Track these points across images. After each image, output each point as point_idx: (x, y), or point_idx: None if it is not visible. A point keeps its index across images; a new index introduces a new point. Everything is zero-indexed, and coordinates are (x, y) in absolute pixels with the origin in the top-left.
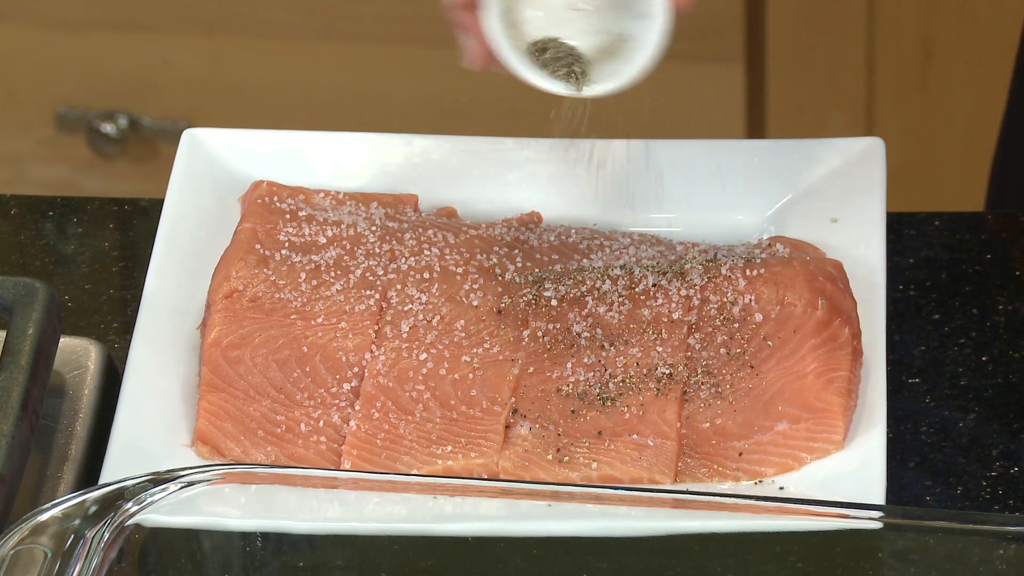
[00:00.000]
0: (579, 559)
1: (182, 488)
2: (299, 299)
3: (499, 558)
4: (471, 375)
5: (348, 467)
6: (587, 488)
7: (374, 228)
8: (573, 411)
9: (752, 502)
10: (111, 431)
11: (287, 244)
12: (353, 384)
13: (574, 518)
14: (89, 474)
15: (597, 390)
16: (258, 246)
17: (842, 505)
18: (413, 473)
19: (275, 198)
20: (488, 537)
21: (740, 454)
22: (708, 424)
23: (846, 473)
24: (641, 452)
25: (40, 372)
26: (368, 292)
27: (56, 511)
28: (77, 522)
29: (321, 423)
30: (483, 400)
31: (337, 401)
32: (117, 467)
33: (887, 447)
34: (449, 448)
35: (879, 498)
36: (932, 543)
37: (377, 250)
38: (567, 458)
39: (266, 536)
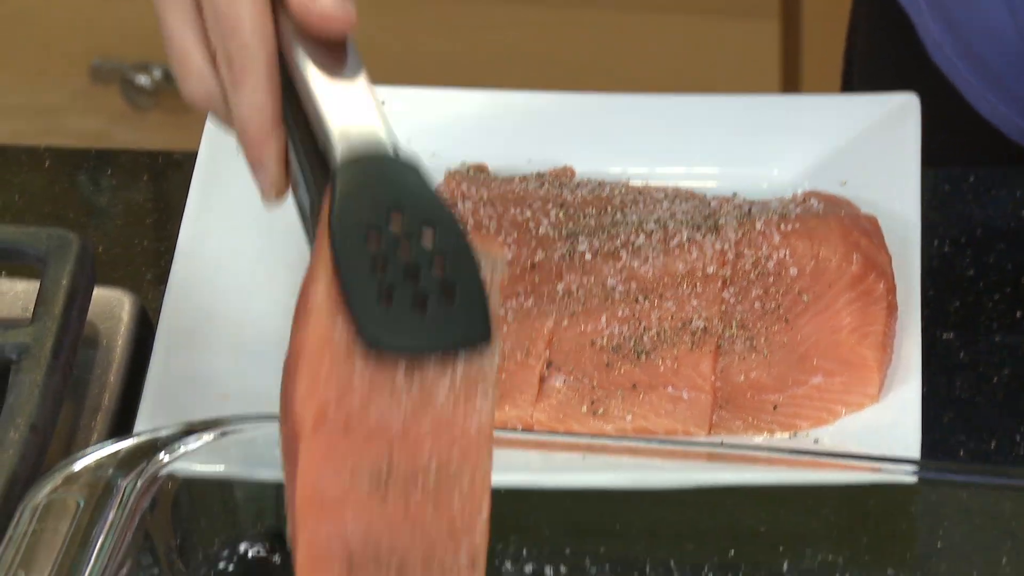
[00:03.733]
0: (613, 511)
1: (216, 438)
2: None
3: (532, 510)
4: (505, 328)
5: None
6: (621, 440)
7: None
8: (607, 364)
9: (786, 455)
10: (144, 381)
11: None
12: None
13: (608, 470)
14: (122, 425)
15: (631, 343)
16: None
17: (876, 459)
18: None
19: None
20: (521, 489)
21: (775, 407)
22: (743, 377)
23: (880, 427)
24: (675, 405)
25: (73, 323)
26: None
27: (89, 461)
28: (110, 472)
29: None
30: (517, 353)
31: None
32: (150, 417)
33: (921, 401)
34: None
35: (913, 452)
36: (966, 497)
37: None
38: (601, 410)
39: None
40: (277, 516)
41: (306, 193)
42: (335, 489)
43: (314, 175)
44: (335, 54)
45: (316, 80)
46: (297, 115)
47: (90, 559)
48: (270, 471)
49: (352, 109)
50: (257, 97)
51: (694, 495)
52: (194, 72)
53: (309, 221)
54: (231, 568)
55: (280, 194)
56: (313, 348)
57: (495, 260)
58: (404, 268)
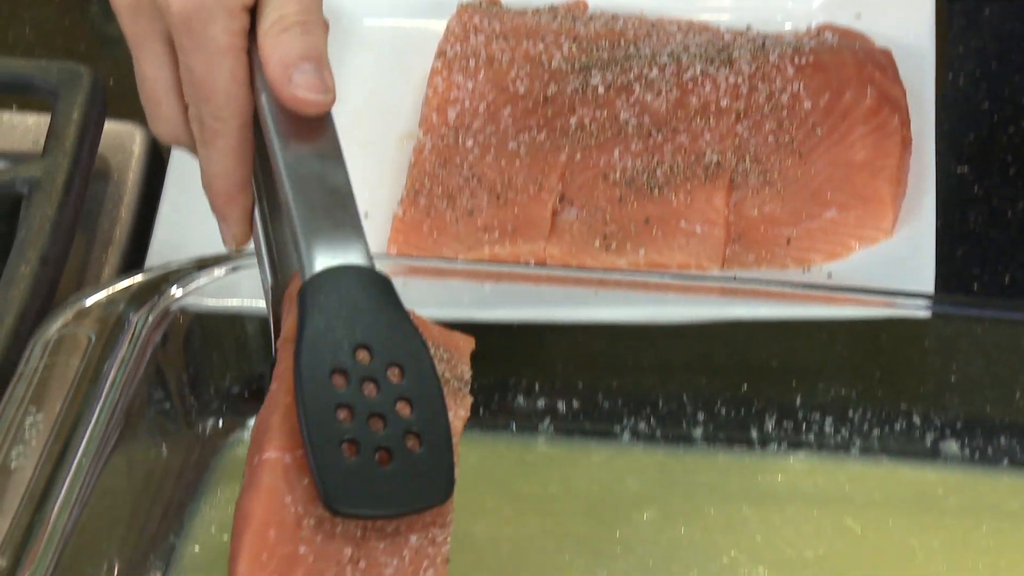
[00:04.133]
0: (625, 346)
1: (227, 273)
2: None
3: (545, 344)
4: (517, 162)
5: (394, 253)
6: (634, 275)
7: None
8: (620, 198)
9: (800, 289)
10: (156, 216)
11: None
12: None
13: (621, 305)
14: (134, 259)
15: (644, 177)
16: (288, 499)
17: (890, 293)
18: (460, 259)
19: None
20: (534, 324)
21: (788, 241)
22: (756, 211)
23: (894, 261)
24: (688, 239)
25: (85, 156)
26: None
27: (100, 296)
28: (121, 306)
29: None
30: (530, 186)
31: None
32: (162, 252)
33: (935, 235)
34: (496, 234)
35: (928, 286)
36: (980, 332)
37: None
38: (614, 245)
39: None
40: None
41: (268, 270)
42: None
43: (279, 254)
44: (314, 129)
45: (290, 170)
46: (268, 182)
47: (101, 394)
48: None
49: (326, 211)
50: (226, 163)
51: (707, 330)
52: (163, 118)
53: (268, 296)
54: (241, 402)
55: (240, 244)
56: (259, 523)
57: (459, 359)
58: (369, 412)
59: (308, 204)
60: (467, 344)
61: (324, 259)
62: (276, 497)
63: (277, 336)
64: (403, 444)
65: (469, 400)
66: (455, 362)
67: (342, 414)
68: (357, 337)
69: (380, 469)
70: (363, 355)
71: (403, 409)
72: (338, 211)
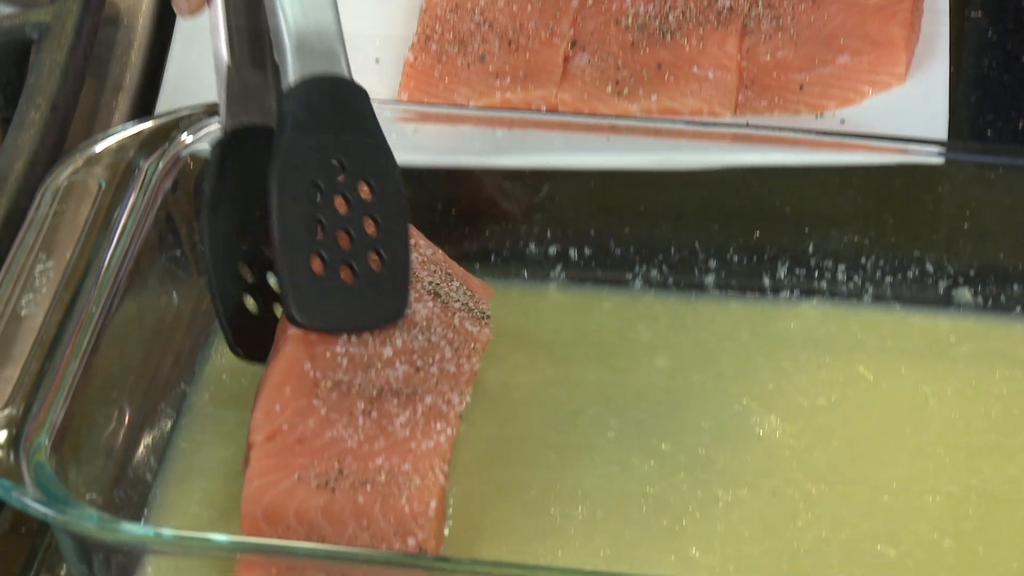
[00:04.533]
0: (637, 193)
1: None
2: None
3: (556, 191)
4: (529, 7)
5: (405, 98)
6: (646, 121)
7: None
8: (632, 43)
9: (813, 136)
10: (166, 61)
11: None
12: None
13: (633, 151)
14: (144, 105)
15: (657, 22)
16: (308, 365)
17: (903, 140)
18: (471, 105)
19: None
20: (545, 171)
21: (801, 86)
22: (769, 56)
23: (907, 107)
24: (701, 84)
25: (95, 0)
26: None
27: (111, 141)
28: (131, 153)
29: None
30: (542, 32)
31: None
32: (172, 97)
33: (949, 81)
34: (507, 80)
35: (941, 133)
36: (993, 178)
37: None
38: (626, 90)
39: None
40: None
41: (226, 51)
42: (282, 488)
43: (240, 39)
44: None
45: None
46: None
47: (112, 241)
48: None
49: (315, 21)
50: None
51: (719, 176)
52: None
53: (220, 76)
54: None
55: (193, 13)
56: (276, 381)
57: (482, 298)
58: (338, 227)
59: (299, 9)
60: (488, 291)
61: (308, 66)
62: (295, 363)
63: (231, 117)
64: (366, 261)
65: (489, 330)
66: (477, 299)
67: (314, 227)
68: (333, 151)
69: (343, 286)
70: (337, 169)
71: (369, 226)
72: (323, 18)
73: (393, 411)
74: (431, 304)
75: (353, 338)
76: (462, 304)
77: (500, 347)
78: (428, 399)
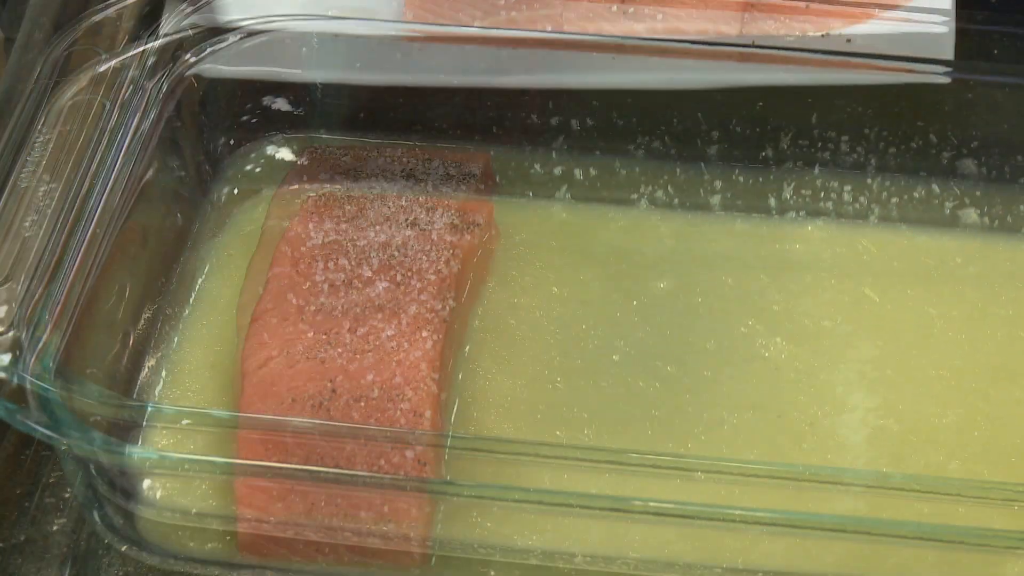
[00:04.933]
0: (641, 112)
1: (242, 39)
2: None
3: (561, 110)
4: None
5: (410, 18)
6: (651, 40)
7: None
8: None
9: (818, 55)
10: None
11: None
12: None
13: (638, 71)
14: (148, 25)
15: None
16: (291, 296)
17: (909, 59)
18: (475, 24)
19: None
20: (550, 90)
21: (807, 4)
22: None
23: (914, 26)
24: (706, 3)
25: None
26: None
27: (114, 62)
28: (136, 73)
29: None
30: None
31: None
32: (176, 18)
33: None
34: None
35: (947, 53)
36: (1000, 98)
37: None
38: (632, 9)
39: (326, 88)
40: (305, 119)
41: None
42: (277, 413)
43: None
44: None
45: None
46: None
47: (116, 160)
48: (297, 71)
49: None
50: None
51: (724, 96)
52: None
53: None
54: (257, 170)
55: None
56: (263, 314)
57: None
58: None
59: None
60: (483, 158)
61: None
62: (279, 295)
63: None
64: None
65: (471, 235)
66: (466, 214)
67: None
68: None
69: None
70: None
71: None
72: None
73: (379, 326)
74: (407, 231)
75: (331, 264)
76: (445, 223)
77: (507, 268)
78: (412, 309)
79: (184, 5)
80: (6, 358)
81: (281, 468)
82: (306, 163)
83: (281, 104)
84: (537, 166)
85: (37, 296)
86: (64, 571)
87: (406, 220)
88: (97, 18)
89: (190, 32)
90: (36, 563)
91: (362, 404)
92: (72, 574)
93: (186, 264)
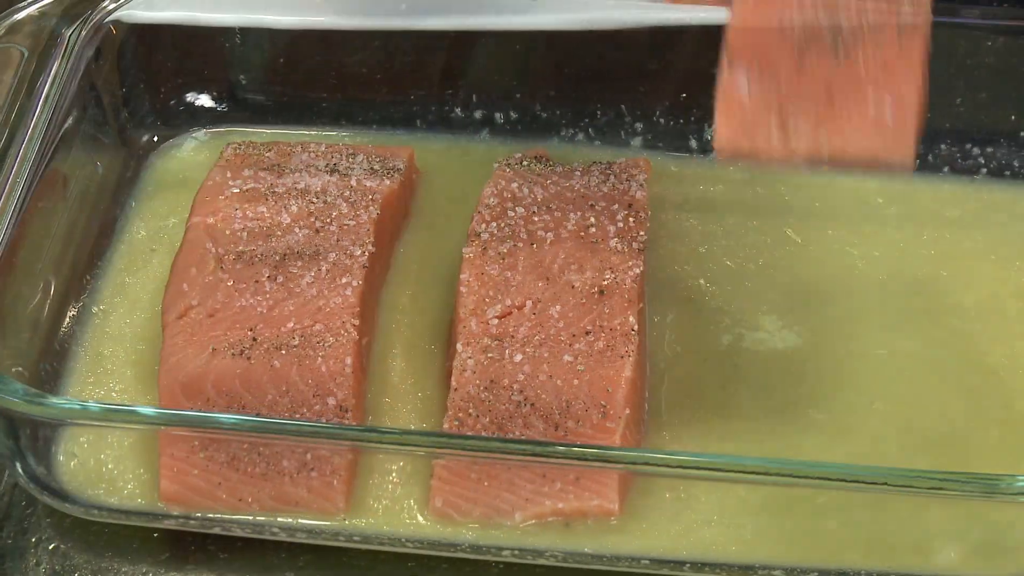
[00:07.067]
0: (563, 55)
1: None
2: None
3: (482, 54)
4: None
5: None
6: None
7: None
8: None
9: None
10: None
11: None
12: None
13: (558, 11)
14: None
15: None
16: (210, 244)
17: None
18: None
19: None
20: (471, 31)
21: None
22: None
23: None
24: None
25: None
26: None
27: (32, 9)
28: (54, 21)
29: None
30: None
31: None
32: None
33: None
34: None
35: None
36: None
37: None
38: None
39: (245, 33)
40: (225, 64)
41: None
42: (198, 362)
43: None
44: None
45: None
46: None
47: (35, 109)
48: (217, 15)
49: None
50: None
51: (647, 37)
52: None
53: None
54: (175, 115)
55: None
56: (182, 265)
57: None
58: None
59: None
60: (406, 151)
61: None
62: (198, 245)
63: None
64: None
65: (391, 181)
66: (385, 160)
67: None
68: None
69: None
70: None
71: None
72: None
73: (298, 272)
74: (327, 176)
75: (249, 212)
76: (364, 169)
77: (425, 204)
78: (332, 256)
79: None
80: None
81: (208, 419)
82: (231, 157)
83: (200, 56)
84: (458, 110)
85: None
86: None
87: (326, 166)
88: None
89: None
90: None
91: (283, 352)
92: None
93: (108, 212)
